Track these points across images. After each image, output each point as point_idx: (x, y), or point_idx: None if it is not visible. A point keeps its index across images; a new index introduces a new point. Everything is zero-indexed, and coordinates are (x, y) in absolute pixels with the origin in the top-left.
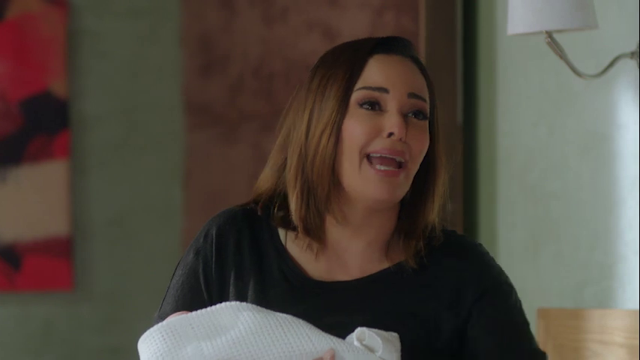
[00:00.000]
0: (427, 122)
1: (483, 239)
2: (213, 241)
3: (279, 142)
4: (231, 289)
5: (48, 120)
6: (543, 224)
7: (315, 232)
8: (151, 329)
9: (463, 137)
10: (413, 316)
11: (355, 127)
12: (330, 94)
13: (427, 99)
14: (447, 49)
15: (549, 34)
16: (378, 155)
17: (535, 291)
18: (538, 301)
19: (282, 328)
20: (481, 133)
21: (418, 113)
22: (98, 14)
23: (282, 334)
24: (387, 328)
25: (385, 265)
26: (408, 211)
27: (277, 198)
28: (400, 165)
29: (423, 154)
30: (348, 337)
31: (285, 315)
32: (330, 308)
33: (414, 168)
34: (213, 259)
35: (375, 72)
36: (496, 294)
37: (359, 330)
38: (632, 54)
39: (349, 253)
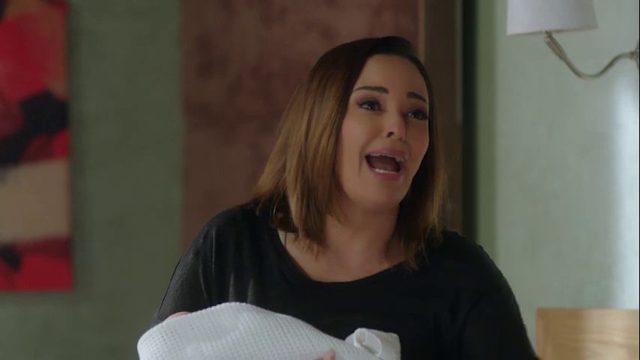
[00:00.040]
0: (427, 122)
1: (482, 239)
2: (213, 241)
3: (279, 144)
4: (231, 289)
5: (47, 120)
6: (542, 224)
7: (315, 233)
8: (151, 330)
9: (462, 137)
10: (412, 317)
11: (355, 127)
12: (330, 94)
13: (426, 99)
14: (447, 49)
15: (549, 34)
16: (378, 155)
17: (534, 291)
18: (537, 301)
19: (282, 328)
20: (480, 133)
21: (418, 113)
22: (97, 14)
23: (282, 335)
24: (386, 329)
25: (385, 266)
26: (408, 211)
27: (277, 199)
28: (399, 166)
29: (423, 154)
30: (348, 338)
31: (285, 316)
32: (330, 309)
33: (413, 168)
34: (213, 259)
35: (375, 72)
36: (494, 297)
37: (359, 331)
38: (632, 54)
39: (349, 254)
